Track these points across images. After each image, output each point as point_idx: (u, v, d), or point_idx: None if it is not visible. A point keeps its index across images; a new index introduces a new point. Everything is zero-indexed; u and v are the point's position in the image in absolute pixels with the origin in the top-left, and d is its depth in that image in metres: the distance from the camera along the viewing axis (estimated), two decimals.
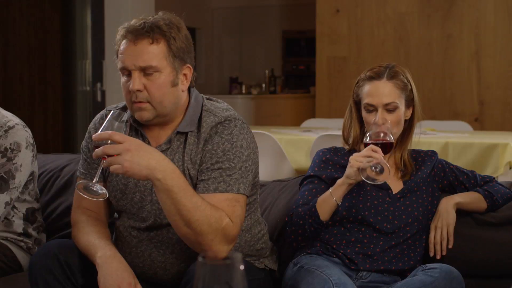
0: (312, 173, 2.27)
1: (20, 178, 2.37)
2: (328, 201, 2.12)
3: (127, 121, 1.79)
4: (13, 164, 2.34)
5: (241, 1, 9.61)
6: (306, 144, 4.06)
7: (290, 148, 4.11)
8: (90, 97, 6.75)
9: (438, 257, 2.20)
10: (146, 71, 1.90)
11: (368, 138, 2.11)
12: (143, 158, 1.71)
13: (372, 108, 2.19)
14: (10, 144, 2.34)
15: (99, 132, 1.76)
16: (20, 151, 2.35)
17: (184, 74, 1.97)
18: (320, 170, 2.27)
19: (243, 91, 8.84)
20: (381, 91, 2.18)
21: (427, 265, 2.08)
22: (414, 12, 6.07)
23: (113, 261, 1.89)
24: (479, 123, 5.88)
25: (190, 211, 1.77)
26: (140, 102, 1.91)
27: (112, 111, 1.80)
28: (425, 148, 2.41)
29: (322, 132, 4.17)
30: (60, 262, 1.94)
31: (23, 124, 2.42)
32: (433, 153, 2.36)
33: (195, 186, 1.92)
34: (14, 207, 2.42)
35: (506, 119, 5.85)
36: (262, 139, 3.97)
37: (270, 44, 9.65)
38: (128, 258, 2.01)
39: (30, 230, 2.46)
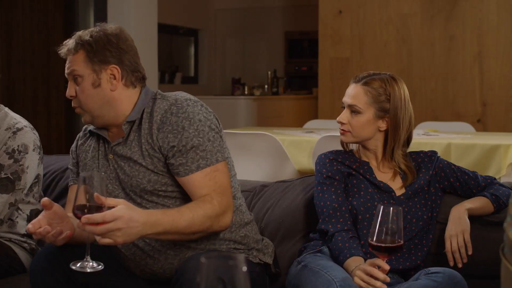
0: (325, 175, 2.28)
1: (26, 180, 2.38)
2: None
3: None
4: (20, 165, 2.35)
5: (244, 3, 9.62)
6: (308, 145, 4.06)
7: (292, 149, 4.11)
8: None
9: (459, 265, 2.17)
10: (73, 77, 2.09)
11: (375, 237, 1.85)
12: (132, 230, 1.77)
13: (343, 107, 2.31)
14: (18, 146, 2.36)
15: (89, 214, 1.73)
16: (27, 153, 2.37)
17: (112, 74, 2.07)
18: (329, 169, 2.28)
19: (246, 92, 8.84)
20: (350, 92, 2.29)
21: (430, 269, 2.07)
22: (417, 13, 6.07)
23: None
24: (481, 124, 5.88)
25: (189, 227, 1.91)
26: (75, 107, 2.12)
27: (82, 176, 1.78)
28: (427, 149, 2.41)
29: (325, 133, 4.17)
30: (61, 264, 1.97)
31: (31, 126, 2.44)
32: (433, 153, 2.36)
33: (165, 164, 2.03)
34: (18, 208, 2.43)
35: (509, 120, 5.85)
36: (264, 140, 3.97)
37: (273, 45, 9.65)
38: (121, 253, 2.11)
39: None
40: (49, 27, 7.30)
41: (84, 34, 2.09)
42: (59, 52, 2.12)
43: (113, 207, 1.74)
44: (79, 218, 1.74)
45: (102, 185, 1.75)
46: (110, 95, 2.08)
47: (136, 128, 2.08)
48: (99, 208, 1.73)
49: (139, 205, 2.04)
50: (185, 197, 2.06)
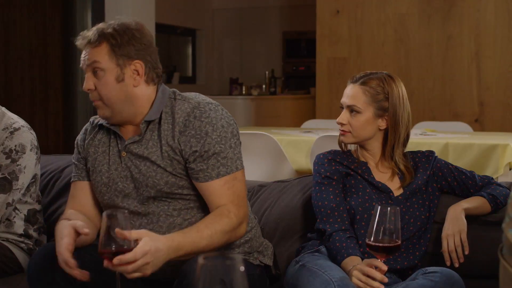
0: (323, 175, 2.29)
1: (23, 180, 2.38)
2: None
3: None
4: (17, 165, 2.35)
5: (241, 2, 9.62)
6: (306, 145, 4.06)
7: (290, 149, 4.11)
8: None
9: (456, 265, 2.17)
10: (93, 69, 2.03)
11: (373, 237, 1.87)
12: (159, 260, 1.77)
13: (342, 107, 2.31)
14: (15, 146, 2.36)
15: (121, 261, 1.70)
16: (24, 153, 2.37)
17: (135, 70, 2.04)
18: (327, 169, 2.28)
19: (244, 92, 8.84)
20: (348, 93, 2.30)
21: (427, 268, 2.07)
22: (414, 13, 6.07)
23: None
24: (479, 124, 5.89)
25: (209, 245, 1.89)
26: (94, 101, 2.06)
27: (105, 213, 1.75)
28: (425, 149, 2.41)
29: (323, 132, 4.17)
30: (58, 264, 1.95)
31: (29, 126, 2.44)
32: (431, 153, 2.36)
33: (184, 167, 2.01)
34: (15, 208, 2.43)
35: (506, 120, 5.86)
36: (262, 140, 3.97)
37: (271, 45, 9.65)
38: None
39: (31, 231, 2.47)
40: (47, 27, 7.29)
41: (106, 26, 2.04)
42: (76, 43, 2.06)
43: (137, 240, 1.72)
44: (106, 258, 1.71)
45: (127, 223, 1.71)
46: (132, 91, 2.04)
47: (154, 128, 2.06)
48: (125, 245, 1.69)
49: (150, 204, 2.03)
50: (198, 200, 2.06)
